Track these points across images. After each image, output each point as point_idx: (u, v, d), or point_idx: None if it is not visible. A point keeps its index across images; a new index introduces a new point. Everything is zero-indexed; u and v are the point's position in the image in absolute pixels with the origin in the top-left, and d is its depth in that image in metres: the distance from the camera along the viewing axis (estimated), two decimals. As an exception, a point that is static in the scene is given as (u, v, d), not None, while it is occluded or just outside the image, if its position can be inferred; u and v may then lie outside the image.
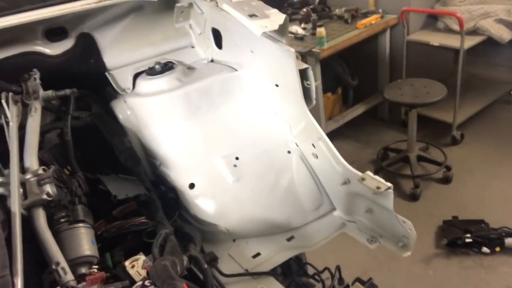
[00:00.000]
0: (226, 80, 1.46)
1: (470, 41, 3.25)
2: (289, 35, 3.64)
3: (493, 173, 3.23)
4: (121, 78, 1.51)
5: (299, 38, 3.59)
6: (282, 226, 1.35)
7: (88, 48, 1.50)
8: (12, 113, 1.12)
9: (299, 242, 1.32)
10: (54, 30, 1.44)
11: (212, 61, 1.63)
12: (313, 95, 1.31)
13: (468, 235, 2.68)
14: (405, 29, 3.50)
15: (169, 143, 1.38)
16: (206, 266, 1.14)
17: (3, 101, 1.15)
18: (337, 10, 3.79)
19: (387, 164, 3.40)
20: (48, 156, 1.23)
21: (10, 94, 1.19)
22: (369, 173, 1.21)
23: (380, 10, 3.61)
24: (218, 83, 1.45)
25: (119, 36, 1.57)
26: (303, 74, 1.28)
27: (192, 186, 1.34)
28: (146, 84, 1.45)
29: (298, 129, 1.39)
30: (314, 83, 1.29)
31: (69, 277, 0.93)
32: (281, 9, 4.09)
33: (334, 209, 1.40)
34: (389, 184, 1.16)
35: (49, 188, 1.01)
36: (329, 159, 1.32)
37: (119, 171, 1.34)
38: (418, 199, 3.13)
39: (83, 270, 1.03)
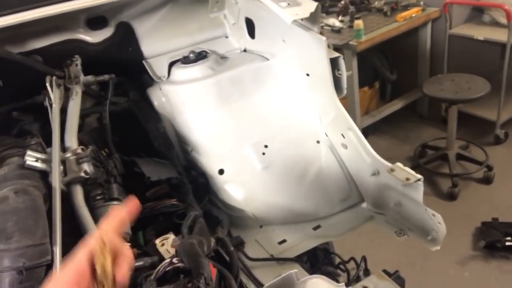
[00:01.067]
0: (258, 69, 1.48)
1: (519, 35, 3.10)
2: (326, 27, 3.63)
3: (539, 175, 3.08)
4: (157, 66, 1.57)
5: (336, 31, 3.56)
6: (309, 215, 1.36)
7: (126, 37, 1.57)
8: (55, 95, 1.20)
9: (325, 232, 1.33)
10: (95, 19, 1.51)
11: (245, 50, 1.65)
12: (344, 85, 1.31)
13: (509, 238, 2.57)
14: (448, 23, 3.38)
15: (200, 129, 1.42)
16: (232, 248, 1.17)
17: (47, 85, 1.22)
18: (376, 3, 3.72)
19: (425, 162, 3.32)
20: (87, 138, 1.29)
21: (54, 78, 1.26)
22: (399, 164, 1.19)
23: (421, 3, 3.51)
24: (249, 72, 1.47)
25: (156, 26, 1.62)
26: (334, 64, 1.28)
27: (221, 172, 1.37)
28: (180, 72, 1.49)
29: (328, 119, 1.38)
30: (346, 73, 1.29)
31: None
32: (319, 1, 4.08)
33: (362, 200, 1.40)
34: (419, 176, 1.14)
35: (86, 167, 1.08)
36: (358, 149, 1.31)
37: (153, 155, 1.40)
38: (455, 198, 3.04)
39: (122, 246, 1.08)
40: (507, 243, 2.56)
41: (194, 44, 1.67)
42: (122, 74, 1.57)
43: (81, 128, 1.36)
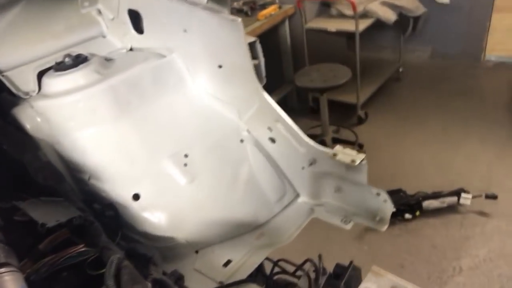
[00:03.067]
0: (156, 68, 1.24)
1: (363, 25, 3.42)
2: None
3: (399, 145, 3.45)
4: (20, 79, 1.20)
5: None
6: (248, 224, 1.19)
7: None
8: None
9: (270, 239, 1.18)
10: None
11: (131, 49, 1.39)
12: (263, 73, 1.18)
13: (390, 205, 2.81)
14: (303, 18, 3.56)
15: (97, 150, 1.12)
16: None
17: None
18: (235, 3, 3.72)
19: (306, 151, 3.43)
20: None
21: None
22: (339, 147, 1.12)
23: (276, 1, 3.63)
24: (146, 72, 1.22)
25: (10, 29, 1.24)
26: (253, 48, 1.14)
27: (136, 197, 1.10)
28: (56, 82, 1.16)
29: (249, 113, 1.24)
30: (263, 59, 1.16)
31: None
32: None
33: (298, 195, 1.29)
34: (363, 155, 1.08)
35: None
36: (289, 141, 1.19)
37: (39, 193, 1.05)
38: (339, 179, 3.21)
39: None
40: (390, 210, 2.80)
41: (63, 48, 1.33)
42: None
43: None
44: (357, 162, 1.07)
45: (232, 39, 1.09)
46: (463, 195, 2.77)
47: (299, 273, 1.24)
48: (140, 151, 1.15)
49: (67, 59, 1.20)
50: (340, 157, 1.09)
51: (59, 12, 1.34)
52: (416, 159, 3.29)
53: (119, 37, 1.39)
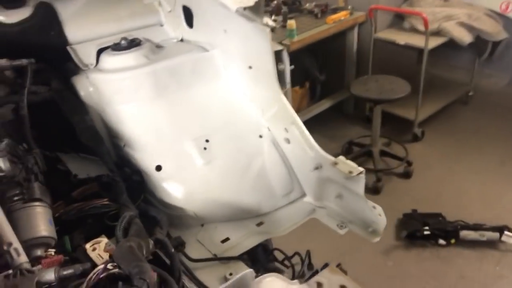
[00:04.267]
0: (197, 59, 1.40)
1: (434, 42, 3.34)
2: (259, 26, 3.64)
3: (451, 169, 3.35)
4: (83, 53, 1.42)
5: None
6: (252, 211, 1.32)
7: (47, 19, 1.40)
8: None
9: (269, 228, 1.29)
10: (9, -4, 1.33)
11: (182, 40, 1.56)
12: (288, 79, 1.30)
13: (426, 227, 2.76)
14: (373, 27, 3.55)
15: (134, 123, 1.31)
16: (173, 250, 1.08)
17: None
18: (307, 5, 3.80)
19: (351, 158, 3.43)
20: (0, 131, 1.12)
21: None
22: (342, 158, 1.20)
23: (349, 7, 3.65)
24: (188, 63, 1.39)
25: (82, 9, 1.47)
26: (277, 57, 1.25)
27: (159, 168, 1.27)
28: (111, 60, 1.36)
29: (270, 113, 1.35)
30: (289, 66, 1.27)
31: (22, 259, 0.86)
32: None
33: (304, 195, 1.38)
34: (361, 169, 1.15)
35: (1, 163, 0.93)
36: (301, 144, 1.29)
37: (80, 150, 1.26)
38: (379, 192, 3.20)
39: (39, 252, 0.95)
40: (425, 232, 2.75)
41: (124, 31, 1.54)
42: (43, 60, 1.39)
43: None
44: (354, 174, 1.14)
45: (261, 45, 1.21)
46: (506, 232, 2.66)
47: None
48: (169, 130, 1.32)
49: (123, 42, 1.39)
50: (339, 166, 1.17)
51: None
52: (464, 186, 3.18)
53: (173, 28, 1.58)
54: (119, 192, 1.20)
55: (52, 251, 0.98)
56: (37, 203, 0.98)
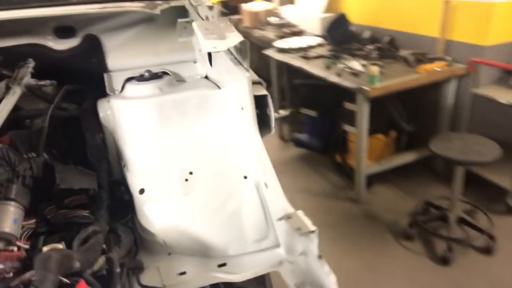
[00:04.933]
0: (202, 96, 1.48)
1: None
2: (347, 69, 3.59)
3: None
4: (116, 80, 1.62)
5: (354, 74, 3.51)
6: (219, 250, 1.31)
7: (92, 49, 1.64)
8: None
9: (229, 271, 1.27)
10: (63, 28, 1.60)
11: (206, 77, 1.67)
12: (272, 124, 1.28)
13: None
14: (473, 81, 3.22)
15: (133, 146, 1.44)
16: (118, 270, 1.16)
17: (-20, 81, 1.31)
18: (404, 52, 3.64)
19: (424, 220, 3.11)
20: (19, 137, 1.35)
21: None
22: (299, 212, 1.13)
23: (449, 58, 3.38)
24: (194, 98, 1.48)
25: (126, 42, 1.68)
26: (264, 102, 1.26)
27: (142, 191, 1.37)
28: (130, 88, 1.53)
29: (255, 155, 1.35)
30: (273, 112, 1.26)
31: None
32: (349, 43, 4.03)
33: (278, 245, 1.33)
34: (312, 228, 1.07)
35: (-14, 164, 1.12)
36: (277, 190, 1.26)
37: (81, 163, 1.43)
38: (449, 264, 2.81)
39: (0, 245, 1.11)
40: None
41: (161, 64, 1.71)
42: (86, 83, 1.63)
43: (22, 127, 1.43)
44: (303, 231, 1.07)
45: (244, 88, 1.24)
46: None
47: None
48: (161, 157, 1.41)
49: (146, 74, 1.55)
50: (290, 221, 1.11)
51: (166, 36, 1.72)
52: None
53: (202, 65, 1.69)
54: (99, 206, 1.32)
55: (15, 248, 1.14)
56: (10, 202, 1.15)
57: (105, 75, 1.64)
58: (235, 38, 1.17)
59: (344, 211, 3.54)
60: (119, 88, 1.58)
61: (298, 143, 4.57)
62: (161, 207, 1.35)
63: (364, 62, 3.64)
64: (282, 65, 4.34)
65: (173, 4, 1.56)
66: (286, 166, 4.29)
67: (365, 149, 3.43)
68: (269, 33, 4.88)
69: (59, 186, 1.29)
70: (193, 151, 1.42)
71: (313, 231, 1.06)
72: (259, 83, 1.35)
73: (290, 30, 4.81)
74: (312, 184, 3.96)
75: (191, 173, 1.38)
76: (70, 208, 1.36)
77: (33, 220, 1.29)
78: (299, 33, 4.76)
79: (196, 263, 1.30)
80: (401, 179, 3.71)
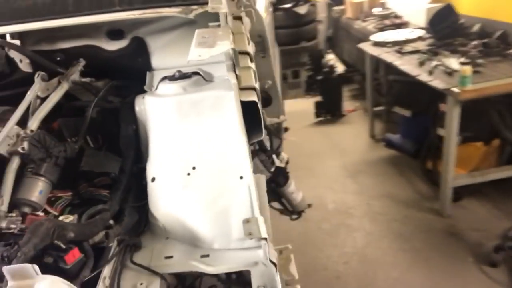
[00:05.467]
0: (217, 96, 1.56)
1: None
2: (441, 67, 3.26)
3: None
4: (156, 78, 1.81)
5: (448, 73, 3.19)
6: (206, 242, 1.41)
7: (138, 49, 1.85)
8: (34, 86, 1.57)
9: (209, 262, 1.36)
10: (114, 31, 1.84)
11: (234, 77, 1.74)
12: (262, 129, 1.31)
13: None
14: None
15: (154, 139, 1.60)
16: (111, 244, 1.35)
17: (35, 77, 1.61)
18: (514, 49, 3.17)
19: (514, 247, 2.71)
20: (64, 123, 1.64)
21: (41, 73, 1.63)
22: (260, 218, 1.16)
23: None
24: (210, 98, 1.57)
25: (169, 43, 1.86)
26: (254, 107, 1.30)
27: (153, 180, 1.53)
28: (161, 87, 1.70)
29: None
30: (263, 118, 1.29)
31: (3, 208, 1.31)
32: (453, 38, 3.67)
33: (260, 247, 1.36)
34: (263, 235, 1.09)
35: (25, 144, 1.41)
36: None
37: (111, 150, 1.66)
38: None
39: (26, 210, 1.39)
40: None
41: (200, 64, 1.84)
42: (132, 79, 1.86)
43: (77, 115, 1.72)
44: (252, 236, 1.09)
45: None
46: None
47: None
48: (173, 151, 1.55)
49: (177, 73, 1.70)
50: (246, 225, 1.14)
51: (205, 38, 1.84)
52: None
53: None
54: (117, 188, 1.54)
55: (40, 213, 1.41)
56: (40, 178, 1.43)
57: (148, 73, 1.84)
58: (221, 46, 1.23)
59: (423, 223, 3.27)
60: (154, 86, 1.76)
61: (389, 144, 4.32)
62: (165, 196, 1.49)
63: (464, 59, 3.27)
64: (378, 60, 4.13)
65: (207, 8, 1.66)
66: (372, 166, 4.10)
67: (453, 157, 3.11)
68: (370, 25, 4.65)
69: (81, 167, 1.53)
70: (199, 148, 1.52)
71: (264, 239, 1.08)
72: (253, 88, 1.38)
73: (392, 22, 4.52)
74: (395, 189, 3.73)
75: (194, 168, 1.49)
76: (98, 187, 1.61)
77: (70, 193, 1.57)
78: (401, 25, 4.44)
79: (184, 250, 1.42)
80: (499, 195, 3.27)
